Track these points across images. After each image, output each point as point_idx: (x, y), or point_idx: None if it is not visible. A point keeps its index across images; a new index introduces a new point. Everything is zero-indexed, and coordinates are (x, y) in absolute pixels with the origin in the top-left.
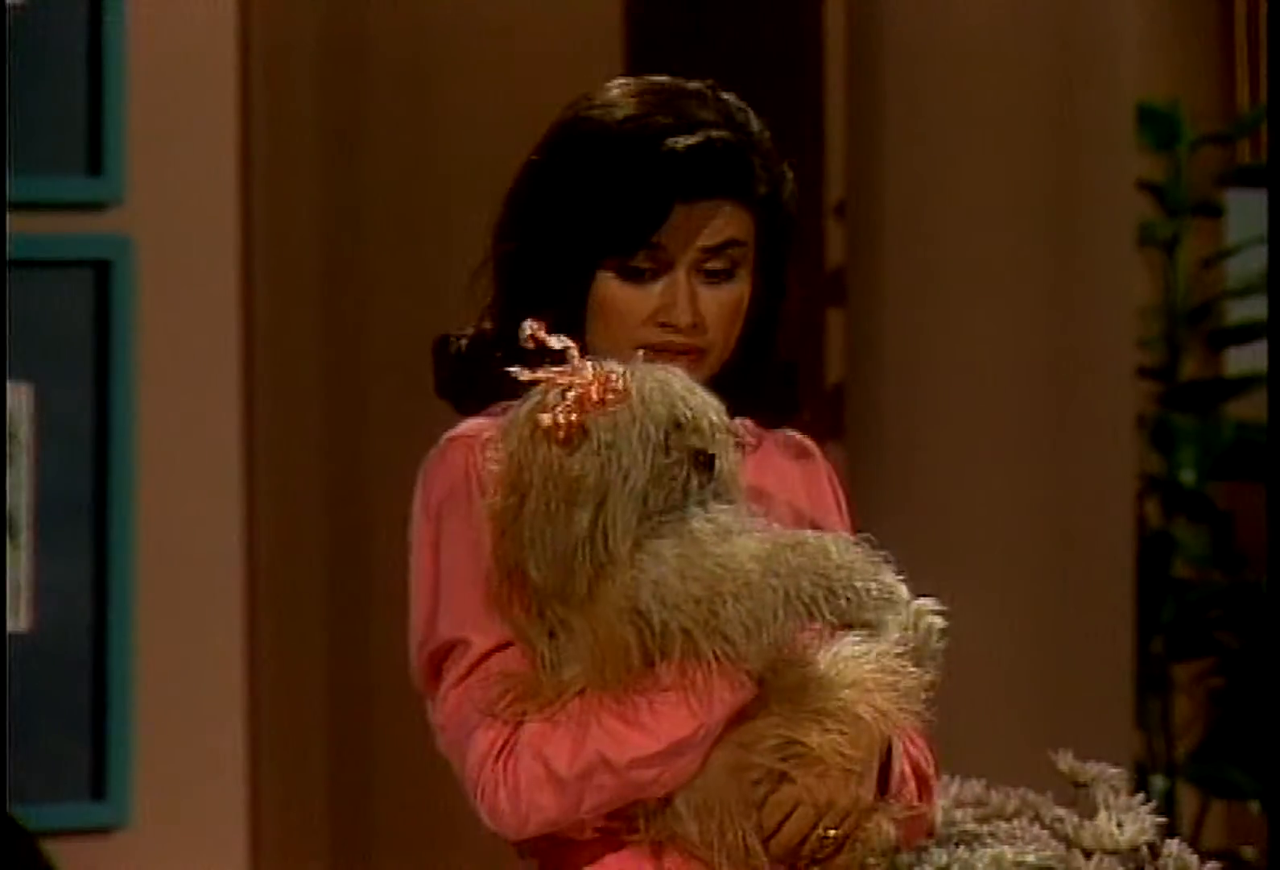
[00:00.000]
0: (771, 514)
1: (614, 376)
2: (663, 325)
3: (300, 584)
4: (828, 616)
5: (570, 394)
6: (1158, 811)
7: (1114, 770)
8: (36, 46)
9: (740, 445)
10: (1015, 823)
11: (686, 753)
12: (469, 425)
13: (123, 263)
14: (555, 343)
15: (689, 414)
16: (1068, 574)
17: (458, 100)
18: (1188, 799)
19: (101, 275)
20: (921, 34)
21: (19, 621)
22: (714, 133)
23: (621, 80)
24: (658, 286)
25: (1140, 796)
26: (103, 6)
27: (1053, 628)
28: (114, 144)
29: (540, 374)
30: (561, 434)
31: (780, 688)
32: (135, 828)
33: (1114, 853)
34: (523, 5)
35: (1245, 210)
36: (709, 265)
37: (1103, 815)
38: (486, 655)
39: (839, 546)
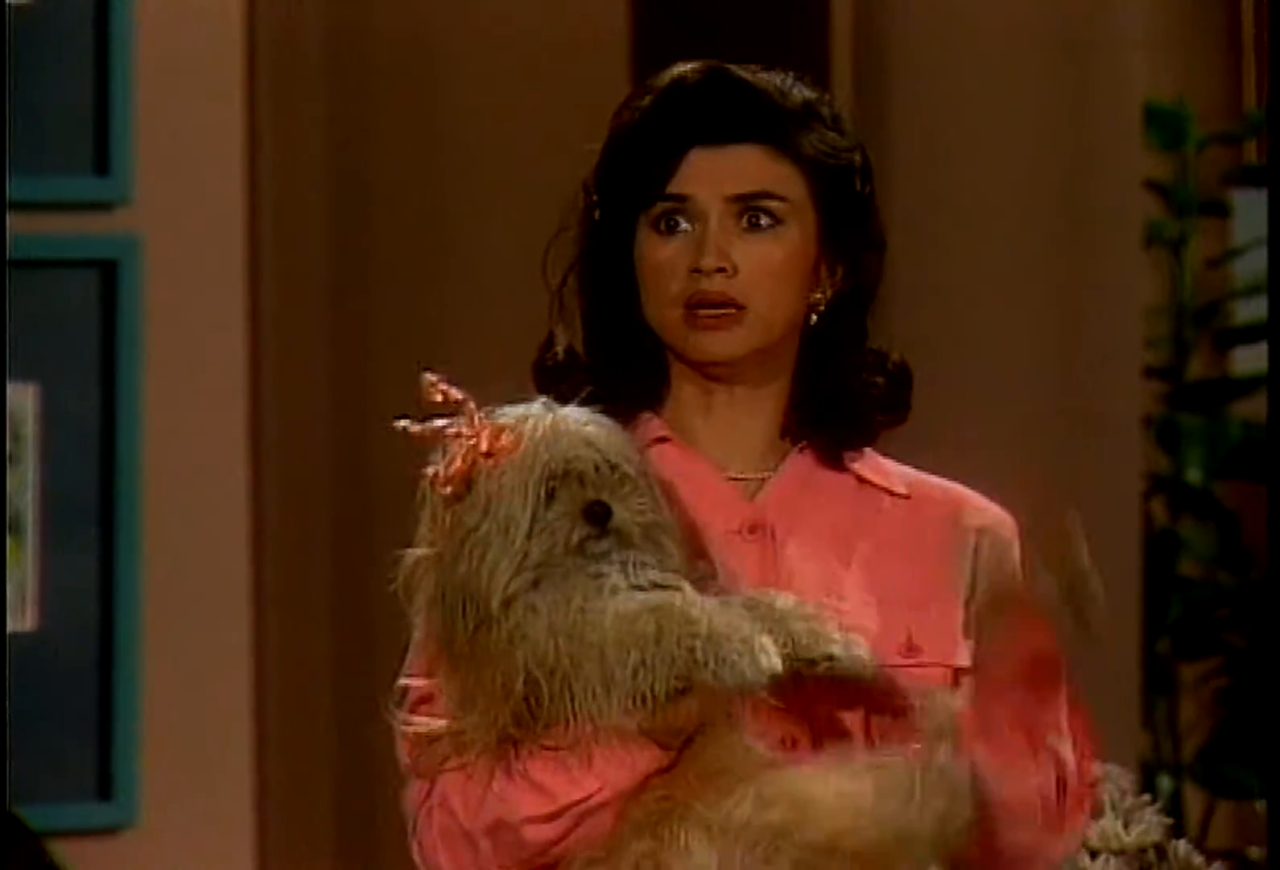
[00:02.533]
0: (781, 553)
1: (504, 426)
2: (694, 271)
3: (307, 584)
4: (694, 677)
5: (459, 445)
6: (1164, 812)
7: (1120, 770)
8: (43, 46)
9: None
10: None
11: (586, 816)
12: None
13: (130, 263)
14: (455, 393)
15: (577, 465)
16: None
17: (464, 97)
18: (1194, 799)
19: (108, 275)
20: (928, 34)
21: (25, 621)
22: (732, 73)
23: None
24: (692, 236)
25: (1146, 797)
26: (109, 6)
27: (1058, 628)
28: (121, 144)
29: (430, 426)
30: (447, 487)
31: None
32: (142, 828)
33: (1120, 853)
34: (528, 5)
35: (1253, 210)
36: (744, 216)
37: (1109, 815)
38: (421, 699)
39: (715, 610)
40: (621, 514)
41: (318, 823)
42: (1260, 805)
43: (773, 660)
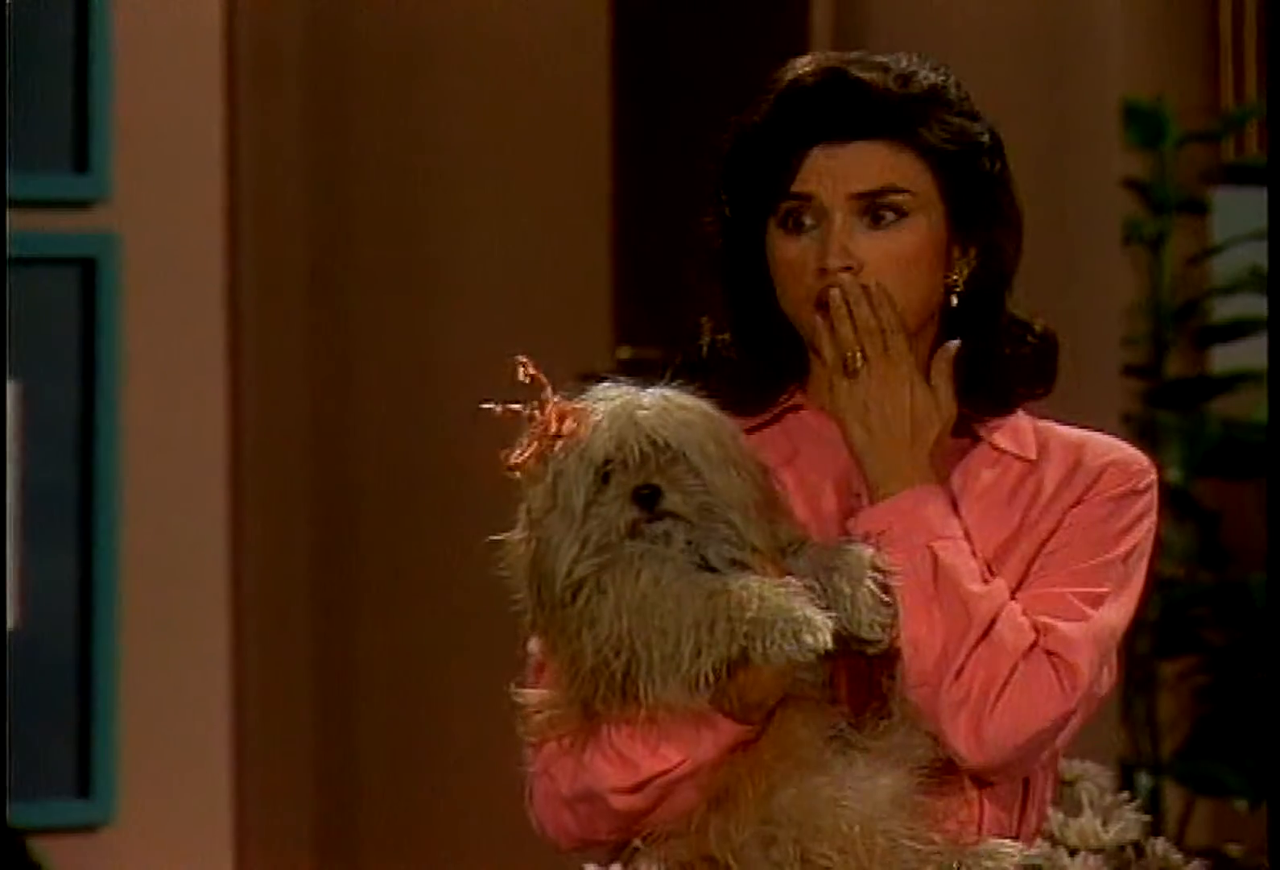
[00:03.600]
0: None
1: (570, 410)
2: (821, 271)
3: (286, 581)
4: (753, 657)
5: (532, 429)
6: (1143, 809)
7: (1099, 768)
8: (23, 44)
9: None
10: None
11: (670, 787)
12: None
13: (109, 260)
14: (532, 374)
15: (627, 448)
16: None
17: (443, 97)
18: (1173, 797)
19: (88, 273)
20: (905, 32)
21: (9, 619)
22: (850, 72)
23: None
24: (817, 235)
25: (1125, 794)
26: (89, 5)
27: None
28: (100, 141)
29: (509, 407)
30: (519, 469)
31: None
32: (120, 825)
33: (1099, 851)
34: (507, 4)
35: (1231, 208)
36: (870, 210)
37: (1088, 813)
38: (539, 668)
39: (768, 592)
40: (673, 496)
41: (296, 819)
42: (1240, 803)
43: (819, 639)
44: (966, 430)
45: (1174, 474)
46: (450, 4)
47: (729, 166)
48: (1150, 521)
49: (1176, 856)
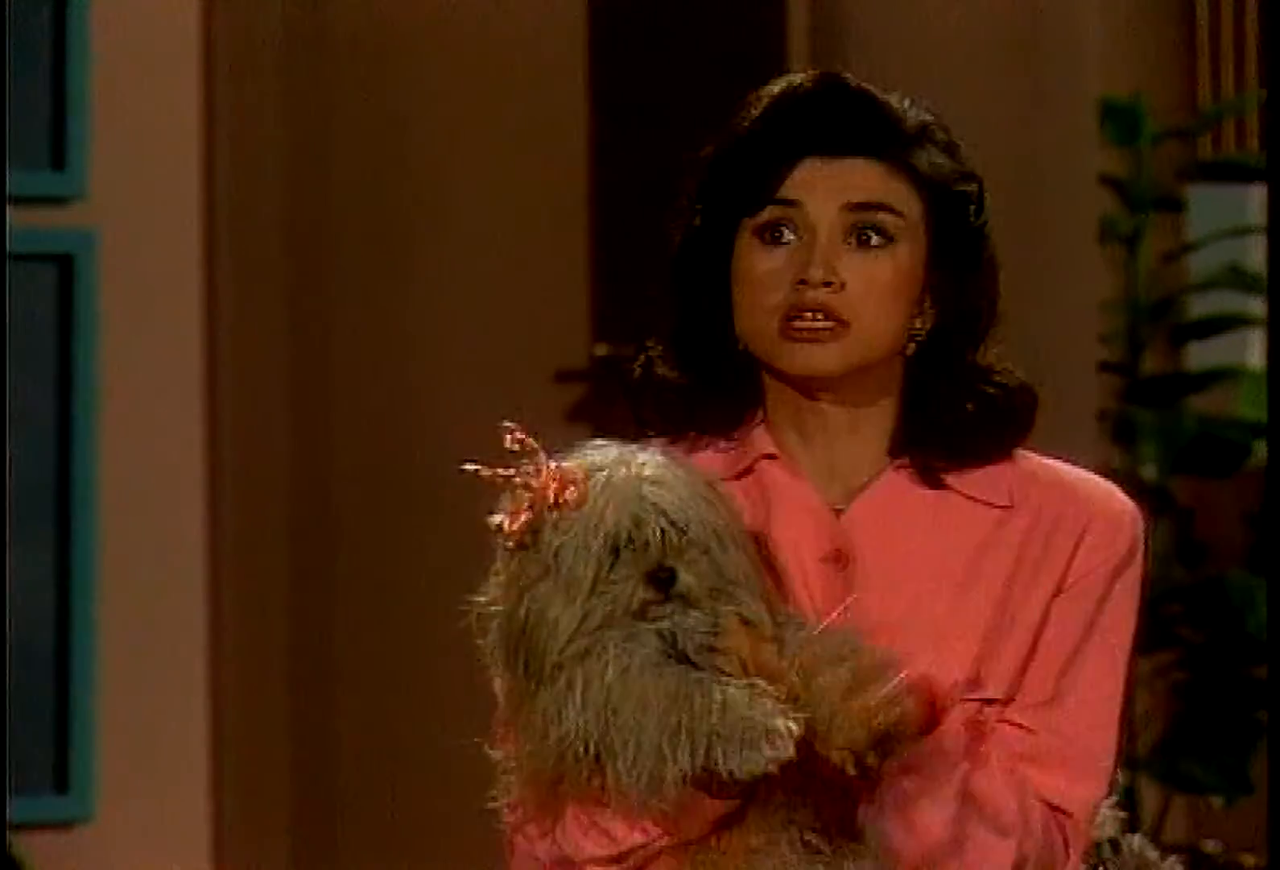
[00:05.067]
0: (857, 584)
1: (571, 478)
2: (800, 283)
3: (264, 577)
4: (725, 770)
5: (525, 495)
6: (1119, 806)
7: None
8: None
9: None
10: None
11: (649, 858)
12: None
13: (85, 257)
14: (524, 440)
15: (643, 528)
16: None
17: (421, 90)
18: (1149, 793)
19: (65, 269)
20: (884, 31)
21: None
22: (852, 85)
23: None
24: (798, 247)
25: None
26: (67, 3)
27: None
28: (78, 139)
29: (499, 472)
30: (510, 539)
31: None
32: (98, 821)
33: None
34: (485, 5)
35: (1207, 205)
36: (857, 230)
37: None
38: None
39: (734, 696)
40: (686, 578)
41: (273, 815)
42: (1216, 800)
43: (780, 751)
44: (936, 481)
45: (1149, 471)
46: (427, 3)
47: (714, 170)
48: (1139, 587)
49: (1153, 853)
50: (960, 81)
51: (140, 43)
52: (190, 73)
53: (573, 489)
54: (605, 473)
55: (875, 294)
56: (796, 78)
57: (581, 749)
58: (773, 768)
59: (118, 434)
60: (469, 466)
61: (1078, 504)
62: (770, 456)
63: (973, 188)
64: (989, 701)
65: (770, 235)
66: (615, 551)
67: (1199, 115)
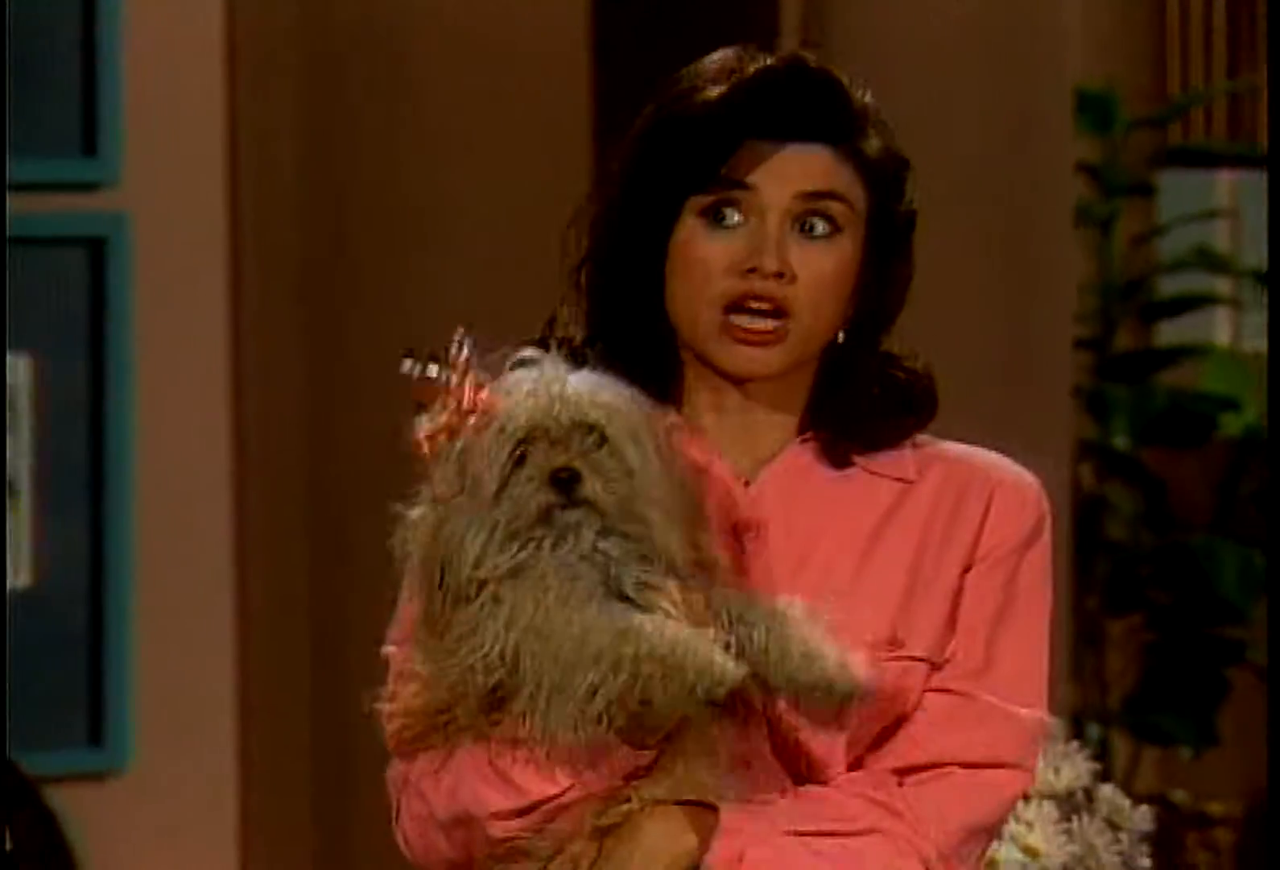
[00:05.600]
0: (764, 553)
1: (489, 382)
2: (748, 272)
3: (287, 539)
4: (657, 702)
5: (445, 401)
6: (1093, 757)
7: (1051, 719)
8: (34, 33)
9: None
10: None
11: (556, 812)
12: None
13: (118, 240)
14: (457, 356)
15: (549, 424)
16: None
17: (435, 85)
18: (1121, 746)
19: (97, 252)
20: (871, 23)
21: (21, 578)
22: (811, 66)
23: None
24: (746, 233)
25: (1076, 743)
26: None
27: None
28: (109, 127)
29: (420, 375)
30: (427, 446)
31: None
32: (131, 773)
33: (1051, 797)
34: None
35: (1176, 190)
36: (806, 218)
37: (1041, 761)
38: (401, 674)
39: (684, 635)
40: (593, 483)
41: (299, 768)
42: (1184, 751)
43: (732, 674)
44: (843, 462)
45: (1122, 442)
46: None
47: (651, 147)
48: (1049, 557)
49: (1124, 802)
50: (944, 73)
51: (168, 35)
52: (215, 65)
53: (490, 390)
54: (526, 377)
55: (821, 287)
56: (759, 56)
57: (492, 668)
58: (717, 694)
59: (150, 407)
60: (405, 361)
61: (982, 479)
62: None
63: (907, 174)
64: (915, 659)
65: (716, 217)
66: (522, 453)
67: (1169, 104)
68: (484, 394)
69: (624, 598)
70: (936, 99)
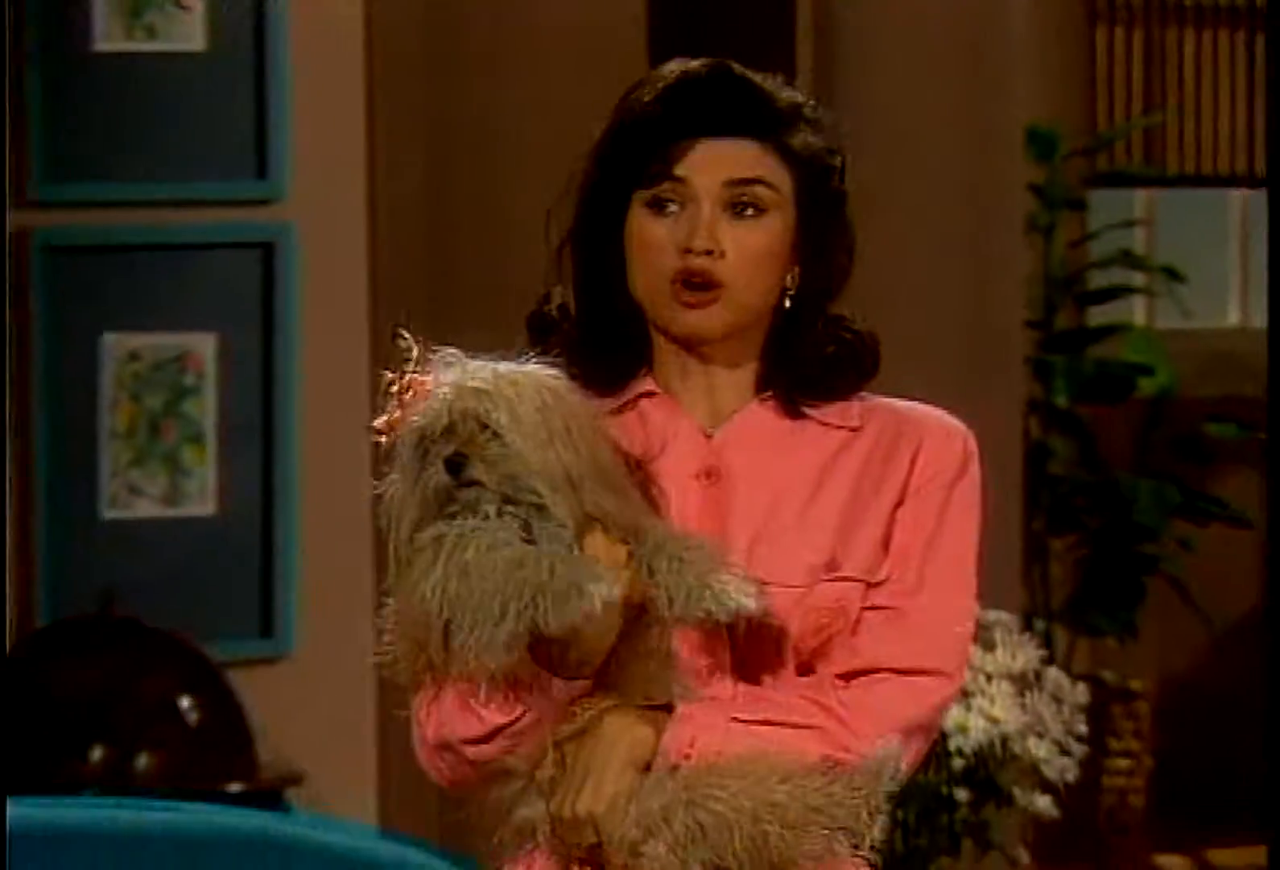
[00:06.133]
0: (723, 495)
1: (418, 382)
2: (685, 251)
3: None
4: (545, 624)
5: (393, 398)
6: (1039, 647)
7: (1008, 616)
8: (217, 83)
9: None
10: None
11: (518, 737)
12: None
13: (285, 243)
14: (404, 343)
15: (444, 421)
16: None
17: (524, 89)
18: (1061, 637)
19: (269, 253)
20: (871, 73)
21: (208, 507)
22: (735, 72)
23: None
24: (684, 218)
25: (1027, 635)
26: (266, 53)
27: None
28: (277, 156)
29: (384, 376)
30: (380, 435)
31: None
32: (295, 657)
33: (1008, 677)
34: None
35: (1103, 205)
36: (735, 202)
37: (1000, 649)
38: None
39: (562, 560)
40: (477, 465)
41: None
42: (1111, 641)
43: (591, 603)
44: (796, 414)
45: (1061, 400)
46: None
47: (608, 147)
48: (976, 494)
49: (1065, 681)
50: (925, 115)
51: (321, 87)
52: (357, 111)
53: (416, 390)
54: (445, 379)
55: (750, 260)
56: (688, 65)
57: (436, 614)
58: (584, 622)
59: (310, 372)
60: (383, 372)
61: (913, 427)
62: (649, 394)
63: (837, 161)
64: (850, 580)
65: (658, 206)
66: (427, 445)
67: (1097, 138)
68: (412, 392)
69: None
70: (922, 136)
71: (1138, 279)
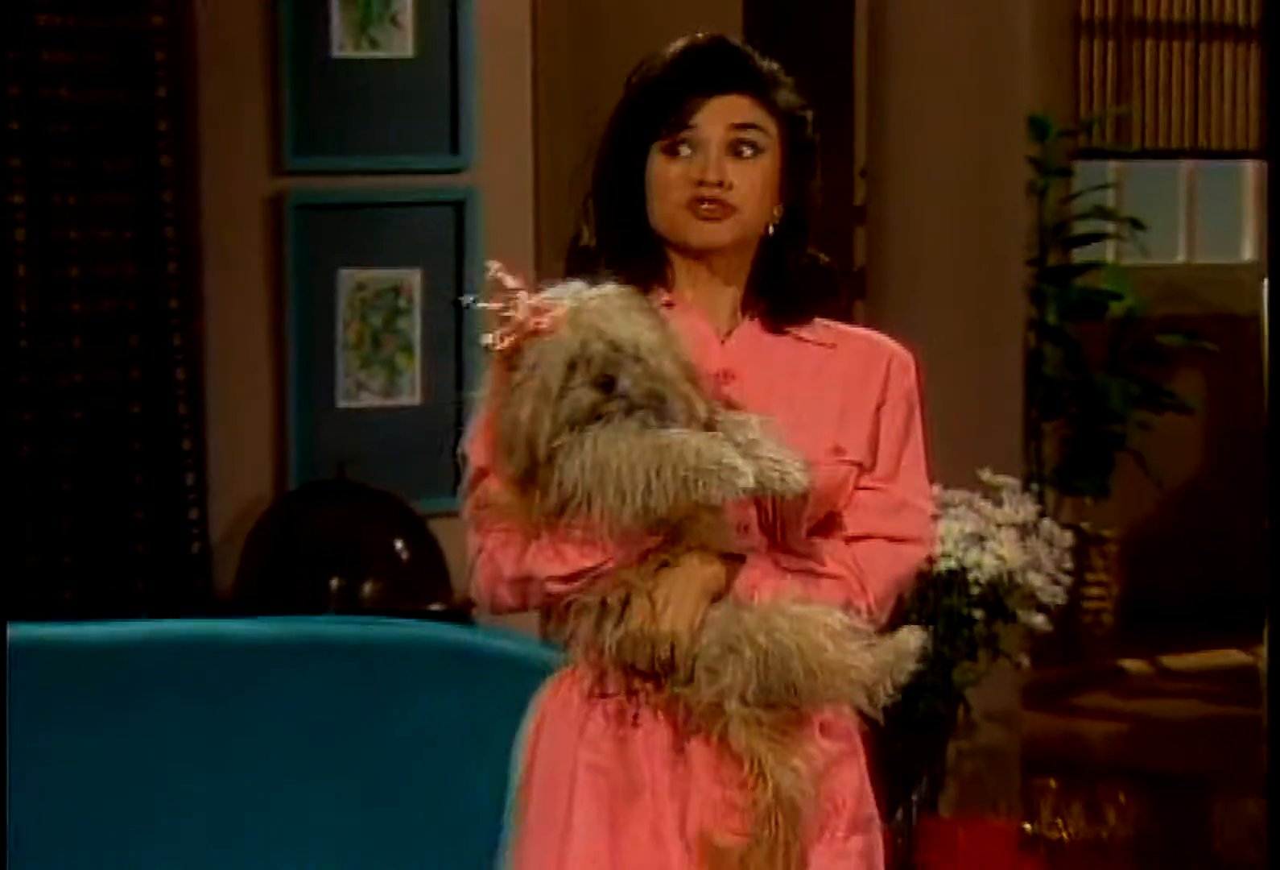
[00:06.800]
0: (741, 392)
1: (544, 310)
2: (699, 184)
3: None
4: (688, 495)
5: (511, 323)
6: (1035, 503)
7: (1012, 481)
8: (424, 85)
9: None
10: (954, 510)
11: (594, 579)
12: None
13: (472, 203)
14: (510, 282)
15: (596, 345)
16: (987, 372)
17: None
18: (1051, 496)
19: (459, 209)
20: (911, 81)
21: (415, 398)
22: (730, 42)
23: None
24: (696, 159)
25: (1027, 495)
26: (459, 63)
27: (980, 400)
28: (466, 136)
29: (493, 305)
30: (499, 354)
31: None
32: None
33: (1013, 526)
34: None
35: (1084, 173)
36: (736, 145)
37: (1006, 505)
38: (480, 473)
39: (703, 445)
40: (623, 382)
41: None
42: (1089, 499)
43: (746, 481)
44: (778, 330)
45: (1052, 319)
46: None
47: (633, 105)
48: (919, 405)
49: (1055, 529)
50: (952, 105)
51: (496, 76)
52: (524, 94)
53: (547, 318)
54: (565, 307)
55: (751, 190)
56: (694, 38)
57: (577, 501)
58: (739, 495)
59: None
60: (468, 299)
61: (879, 349)
62: (669, 304)
63: (810, 115)
64: (852, 462)
65: (672, 151)
66: (573, 366)
67: (1080, 122)
68: (544, 318)
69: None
70: (953, 119)
71: (1109, 227)
